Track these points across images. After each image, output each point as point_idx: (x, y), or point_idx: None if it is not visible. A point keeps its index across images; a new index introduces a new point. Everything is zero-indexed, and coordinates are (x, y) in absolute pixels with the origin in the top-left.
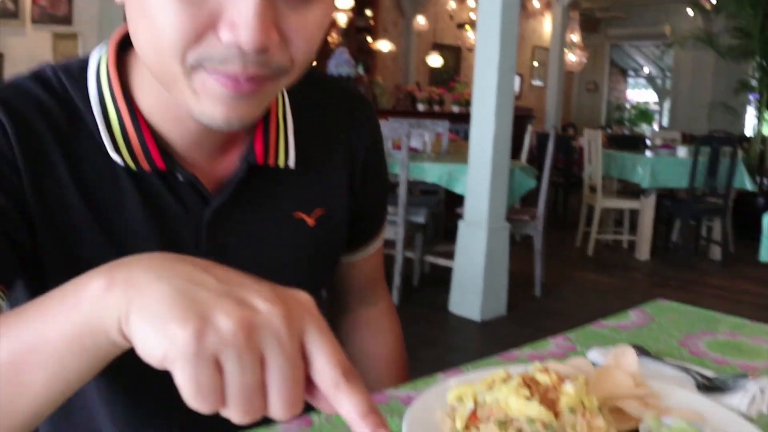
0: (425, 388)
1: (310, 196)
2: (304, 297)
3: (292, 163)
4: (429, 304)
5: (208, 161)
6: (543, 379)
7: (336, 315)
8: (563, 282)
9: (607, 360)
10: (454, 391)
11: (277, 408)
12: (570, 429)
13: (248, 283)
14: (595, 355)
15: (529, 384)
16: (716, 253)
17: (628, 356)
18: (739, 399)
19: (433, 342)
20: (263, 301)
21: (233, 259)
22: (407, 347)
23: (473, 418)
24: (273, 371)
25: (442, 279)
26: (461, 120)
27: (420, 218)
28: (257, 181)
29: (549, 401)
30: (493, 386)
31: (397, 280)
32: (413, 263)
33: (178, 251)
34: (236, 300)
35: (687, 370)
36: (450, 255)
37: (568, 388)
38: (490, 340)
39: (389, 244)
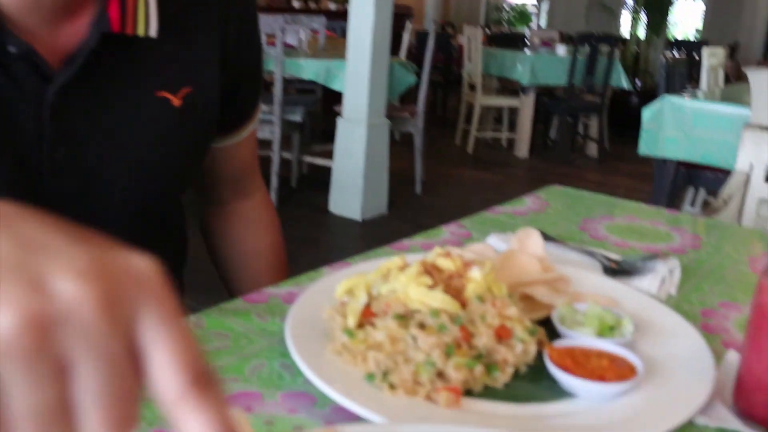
0: (309, 284)
1: (175, 71)
2: (141, 265)
3: (153, 31)
4: (308, 205)
5: (49, 29)
6: (446, 265)
7: (207, 209)
8: (443, 179)
9: (510, 244)
10: (344, 284)
11: None
12: (479, 320)
13: (57, 246)
14: (494, 241)
15: (431, 271)
16: (593, 149)
17: (533, 238)
18: (648, 282)
19: (314, 243)
20: (72, 278)
21: (84, 149)
22: (287, 249)
23: (367, 313)
24: (84, 384)
25: (321, 179)
26: (339, 17)
27: (297, 117)
28: (112, 54)
29: (454, 290)
30: (389, 276)
31: (274, 181)
32: (291, 164)
33: (13, 144)
34: (29, 280)
35: (592, 254)
36: (329, 155)
37: (475, 274)
38: (372, 239)
39: (265, 144)
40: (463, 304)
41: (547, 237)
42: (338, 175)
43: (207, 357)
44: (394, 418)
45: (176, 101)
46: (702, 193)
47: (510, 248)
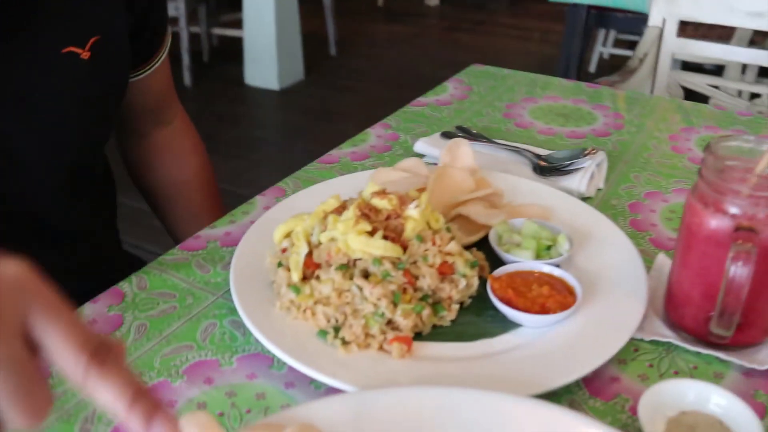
0: (245, 224)
1: (80, 22)
2: (11, 270)
3: None
4: (224, 78)
5: None
6: (382, 204)
7: (128, 142)
8: (357, 37)
9: (440, 156)
10: (281, 229)
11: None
12: (421, 261)
13: None
14: (422, 146)
15: (368, 213)
16: None
17: (462, 149)
18: (578, 180)
19: (234, 119)
20: None
21: None
22: (207, 129)
23: (310, 263)
24: None
25: (233, 51)
26: None
27: None
28: (10, 15)
29: (393, 231)
30: (326, 221)
31: (185, 58)
32: (200, 38)
33: None
34: None
35: (520, 152)
36: (238, 24)
37: (412, 212)
38: (292, 108)
39: (171, 21)
40: (404, 247)
41: (475, 135)
42: (250, 45)
43: (96, 331)
44: (349, 376)
45: (85, 54)
46: (613, 34)
47: (441, 163)
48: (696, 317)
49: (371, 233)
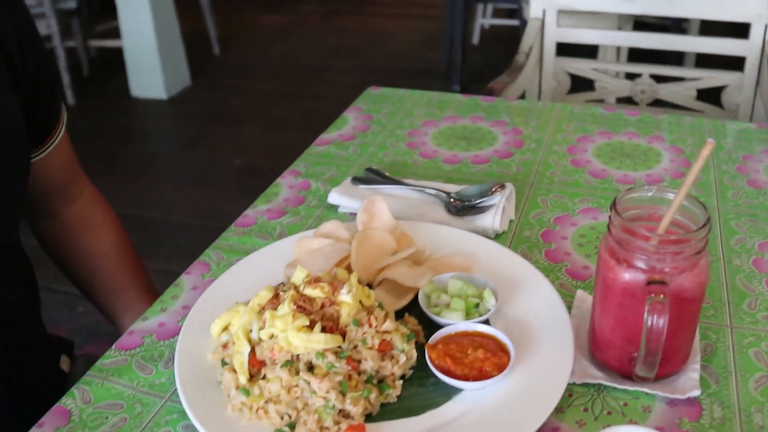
0: (174, 307)
1: None
2: None
3: None
4: (108, 92)
5: None
6: (315, 293)
7: (39, 223)
8: (238, 31)
9: (358, 217)
10: (218, 323)
11: None
12: (361, 344)
13: None
14: (336, 197)
15: (303, 305)
16: None
17: (378, 206)
18: (491, 218)
19: (126, 135)
20: None
21: None
22: (99, 148)
23: (254, 362)
24: None
25: (114, 62)
26: None
27: (70, 3)
28: None
29: (329, 320)
30: (263, 316)
31: (65, 76)
32: (77, 51)
33: None
34: None
35: (431, 192)
36: (116, 33)
37: (345, 298)
38: (184, 116)
39: (45, 38)
40: (342, 333)
41: (385, 179)
42: (131, 54)
43: None
44: None
45: None
46: (491, 6)
47: (360, 225)
48: (620, 358)
49: (310, 326)
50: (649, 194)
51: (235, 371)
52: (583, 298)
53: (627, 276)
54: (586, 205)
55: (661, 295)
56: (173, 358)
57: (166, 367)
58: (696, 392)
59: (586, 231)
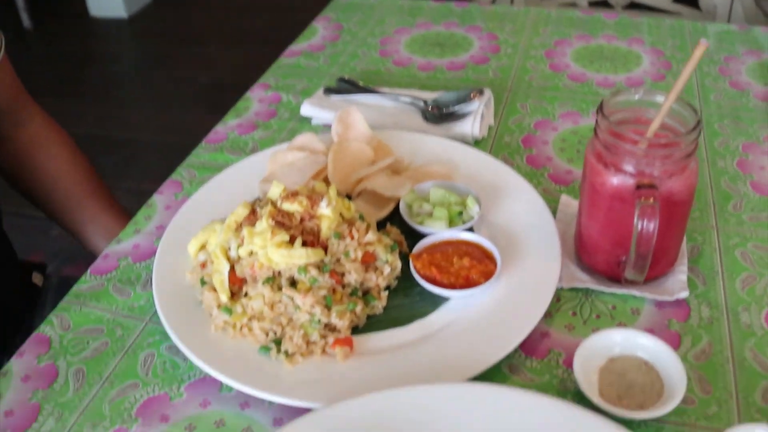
0: (148, 227)
1: None
2: None
3: None
4: (66, 13)
5: None
6: (293, 208)
7: None
8: None
9: (333, 129)
10: (194, 243)
11: None
12: (344, 257)
13: None
14: (308, 109)
15: (281, 221)
16: None
17: (353, 116)
18: (470, 124)
19: (87, 56)
20: None
21: None
22: (60, 72)
23: (234, 279)
24: None
25: None
26: None
27: None
28: None
29: (310, 234)
30: (241, 233)
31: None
32: None
33: None
34: None
35: (407, 100)
36: None
37: (325, 211)
38: (145, 36)
39: None
40: (324, 247)
41: (358, 87)
42: None
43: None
44: (303, 392)
45: None
46: None
47: (335, 136)
48: (608, 262)
49: (290, 241)
50: (636, 97)
51: (215, 290)
52: (568, 203)
53: (615, 180)
54: (567, 110)
55: (651, 199)
56: (151, 279)
57: (144, 290)
58: (684, 293)
59: (567, 135)
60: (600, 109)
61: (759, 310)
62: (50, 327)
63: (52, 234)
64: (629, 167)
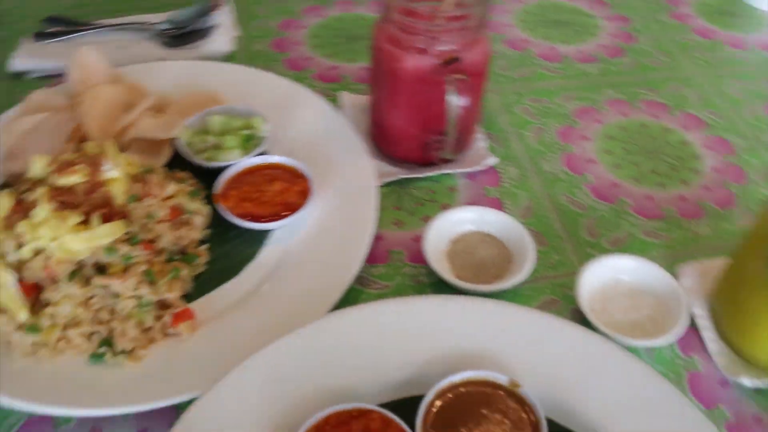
0: None
1: None
2: None
3: None
4: None
5: None
6: (72, 180)
7: None
8: None
9: (71, 77)
10: None
11: None
12: (150, 221)
13: None
14: (23, 62)
15: (65, 201)
16: None
17: (90, 57)
18: (220, 41)
19: None
20: None
21: None
22: None
23: (27, 289)
24: None
25: None
26: None
27: None
28: None
29: (103, 207)
30: (13, 230)
31: None
32: None
33: None
34: None
35: (138, 28)
36: None
37: (111, 173)
38: None
39: None
40: (125, 215)
41: (74, 24)
42: None
43: None
44: (164, 389)
45: None
46: None
47: (75, 85)
48: (416, 148)
49: (85, 222)
50: None
51: (4, 311)
52: (351, 101)
53: (417, 62)
54: (309, 4)
55: (460, 74)
56: None
57: None
58: (493, 160)
59: (318, 31)
60: None
61: (556, 157)
62: None
63: None
64: (431, 45)
